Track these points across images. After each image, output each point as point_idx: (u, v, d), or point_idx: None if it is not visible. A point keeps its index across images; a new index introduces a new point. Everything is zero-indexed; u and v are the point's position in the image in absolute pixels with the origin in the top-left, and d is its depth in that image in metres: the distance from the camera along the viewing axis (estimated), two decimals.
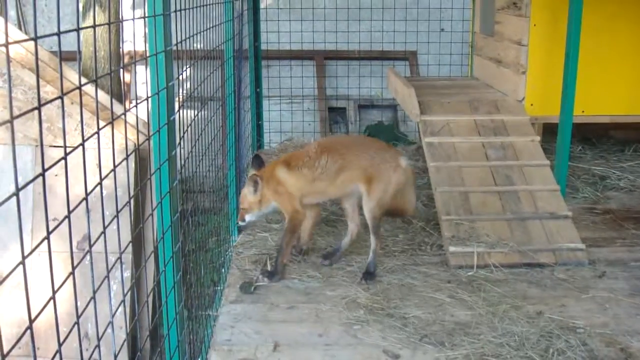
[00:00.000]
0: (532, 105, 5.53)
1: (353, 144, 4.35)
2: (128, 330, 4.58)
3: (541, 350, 3.25)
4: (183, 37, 2.85)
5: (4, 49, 1.20)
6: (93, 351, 1.72)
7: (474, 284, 3.97)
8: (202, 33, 3.55)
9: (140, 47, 2.59)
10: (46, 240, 1.39)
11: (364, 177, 4.06)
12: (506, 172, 4.85)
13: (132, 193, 4.38)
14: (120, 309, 4.72)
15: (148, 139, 2.44)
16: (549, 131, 5.79)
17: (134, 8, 5.70)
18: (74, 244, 1.57)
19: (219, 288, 4.13)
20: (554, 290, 3.94)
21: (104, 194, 1.88)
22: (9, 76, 1.23)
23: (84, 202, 1.62)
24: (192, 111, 3.45)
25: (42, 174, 1.36)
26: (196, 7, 3.28)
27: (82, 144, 1.60)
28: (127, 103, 7.46)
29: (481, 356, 3.22)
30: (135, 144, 5.02)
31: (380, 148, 4.25)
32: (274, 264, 4.13)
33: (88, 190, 1.65)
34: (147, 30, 2.46)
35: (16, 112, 1.19)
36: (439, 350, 3.29)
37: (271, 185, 4.11)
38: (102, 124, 1.84)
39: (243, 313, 3.71)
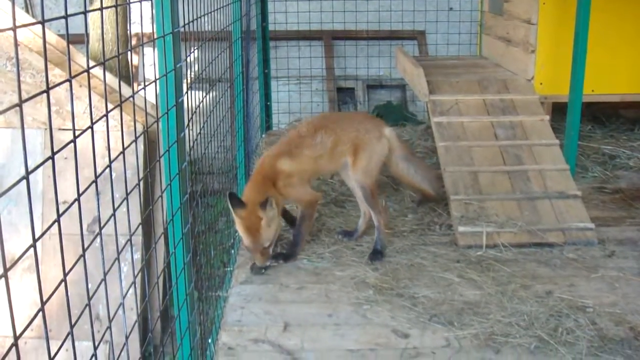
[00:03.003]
0: (541, 84, 5.50)
1: (340, 118, 4.45)
2: (139, 312, 4.61)
3: (550, 330, 3.25)
4: (191, 19, 2.85)
5: (11, 32, 1.20)
6: (105, 332, 1.73)
7: (483, 263, 3.97)
8: (209, 14, 3.53)
9: (148, 29, 2.58)
10: (57, 223, 1.40)
11: (351, 150, 4.14)
12: (515, 151, 4.83)
13: (141, 175, 4.39)
14: (131, 290, 4.75)
15: (157, 121, 2.44)
16: (558, 110, 5.76)
17: None
18: (84, 226, 1.57)
19: (229, 269, 4.15)
20: (563, 269, 3.93)
21: (113, 177, 1.89)
22: (17, 60, 1.23)
23: (94, 184, 1.63)
24: (201, 93, 3.45)
25: (52, 157, 1.37)
26: None
27: (91, 127, 1.60)
28: (135, 85, 7.45)
29: (490, 335, 3.23)
30: (143, 126, 5.03)
31: (364, 119, 4.35)
32: (292, 249, 4.13)
33: (97, 173, 1.65)
34: (154, 12, 2.45)
35: (25, 95, 1.19)
36: (448, 330, 3.30)
37: (280, 184, 3.97)
38: (110, 106, 1.84)
39: (253, 294, 3.73)
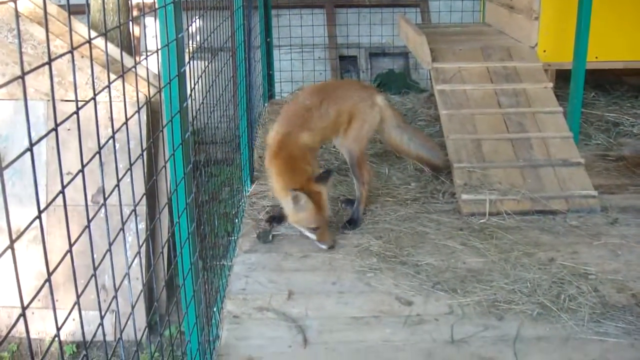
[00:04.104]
0: (544, 51, 5.46)
1: (337, 87, 4.43)
2: (144, 281, 4.65)
3: (553, 297, 3.28)
4: None
5: (12, 3, 1.19)
6: (110, 302, 1.75)
7: (486, 231, 3.99)
8: None
9: None
10: (61, 195, 1.40)
11: (348, 119, 4.13)
12: (519, 119, 4.81)
13: (144, 145, 4.39)
14: (136, 260, 4.79)
15: (159, 92, 2.43)
16: (562, 78, 5.73)
17: None
18: (89, 197, 1.58)
19: (233, 238, 4.16)
20: (566, 237, 3.94)
21: (116, 147, 1.89)
22: (18, 31, 1.23)
23: (97, 155, 1.63)
24: (203, 62, 3.44)
25: (55, 129, 1.37)
26: None
27: (94, 98, 1.60)
28: (137, 56, 7.42)
29: (493, 302, 3.25)
30: (146, 97, 5.02)
31: (359, 88, 4.38)
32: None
33: (101, 144, 1.65)
34: None
35: (27, 67, 1.19)
36: (451, 297, 3.32)
37: (308, 157, 3.91)
38: (112, 77, 1.83)
39: (257, 262, 3.75)
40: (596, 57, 5.36)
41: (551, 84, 5.15)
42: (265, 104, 6.67)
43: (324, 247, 3.83)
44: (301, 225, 3.81)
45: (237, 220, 4.37)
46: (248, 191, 4.69)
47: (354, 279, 3.54)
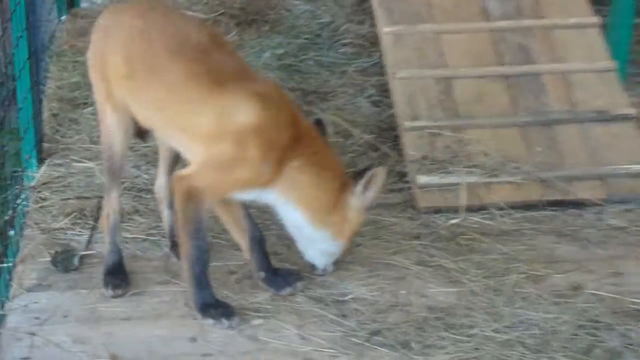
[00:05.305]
0: None
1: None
2: None
3: (580, 352, 3.43)
4: None
5: None
6: None
7: (461, 239, 4.14)
8: None
9: None
10: None
11: None
12: (519, 39, 4.95)
13: None
14: None
15: None
16: None
17: None
18: None
19: (5, 265, 4.15)
20: (602, 247, 4.14)
21: None
22: None
23: None
24: None
25: None
26: None
27: None
28: None
29: None
30: None
31: None
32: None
33: None
34: None
35: None
36: (400, 357, 3.42)
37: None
38: None
39: (53, 308, 3.76)
40: None
41: None
42: (62, 17, 6.58)
43: (330, 269, 3.96)
44: (353, 231, 3.83)
45: (12, 233, 4.35)
46: (33, 179, 4.67)
47: (230, 331, 3.60)
